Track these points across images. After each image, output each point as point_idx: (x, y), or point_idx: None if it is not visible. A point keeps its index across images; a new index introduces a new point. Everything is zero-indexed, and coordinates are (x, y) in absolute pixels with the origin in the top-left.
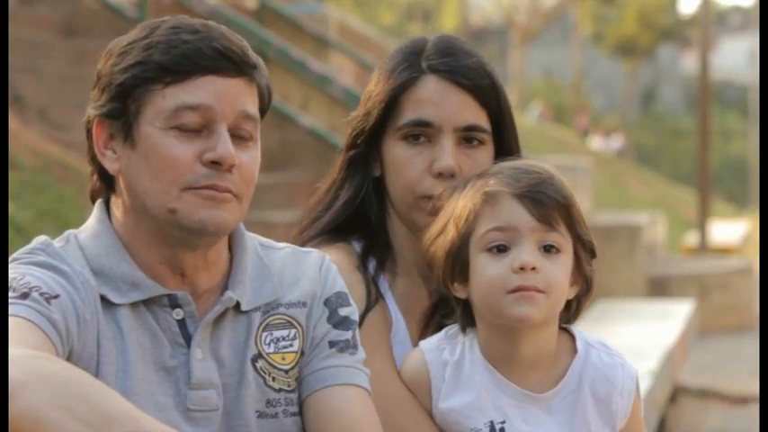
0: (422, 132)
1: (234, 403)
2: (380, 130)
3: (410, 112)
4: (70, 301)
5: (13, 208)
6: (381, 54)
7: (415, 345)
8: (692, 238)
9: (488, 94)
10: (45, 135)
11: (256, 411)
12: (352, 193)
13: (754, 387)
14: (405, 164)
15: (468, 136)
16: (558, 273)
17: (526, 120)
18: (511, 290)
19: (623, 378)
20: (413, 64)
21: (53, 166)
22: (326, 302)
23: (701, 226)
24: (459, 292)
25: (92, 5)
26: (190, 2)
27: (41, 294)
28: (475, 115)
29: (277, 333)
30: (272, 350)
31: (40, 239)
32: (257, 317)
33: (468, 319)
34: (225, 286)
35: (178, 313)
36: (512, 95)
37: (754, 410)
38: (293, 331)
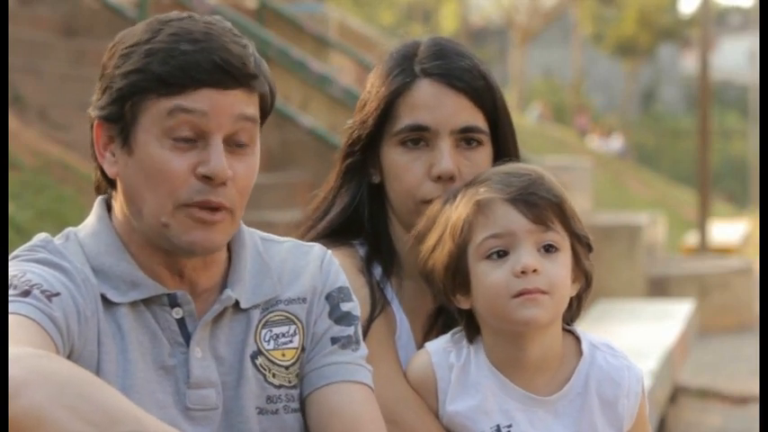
0: (419, 137)
1: (233, 401)
2: (377, 136)
3: (406, 118)
4: (71, 298)
5: (13, 208)
6: (382, 54)
7: (419, 349)
8: (692, 238)
9: (483, 94)
10: (45, 135)
11: (257, 408)
12: (348, 200)
13: (754, 387)
14: (403, 169)
15: (465, 138)
16: (559, 272)
17: (526, 120)
18: (515, 294)
19: (629, 380)
20: (406, 69)
21: (53, 166)
22: (328, 297)
23: (701, 226)
24: (462, 303)
25: (92, 5)
26: (190, 2)
27: (42, 292)
28: (471, 117)
29: (277, 330)
30: (271, 347)
31: (41, 236)
32: (256, 314)
33: (472, 330)
34: (224, 285)
35: (177, 312)
36: (512, 96)
37: (754, 410)
38: (293, 327)
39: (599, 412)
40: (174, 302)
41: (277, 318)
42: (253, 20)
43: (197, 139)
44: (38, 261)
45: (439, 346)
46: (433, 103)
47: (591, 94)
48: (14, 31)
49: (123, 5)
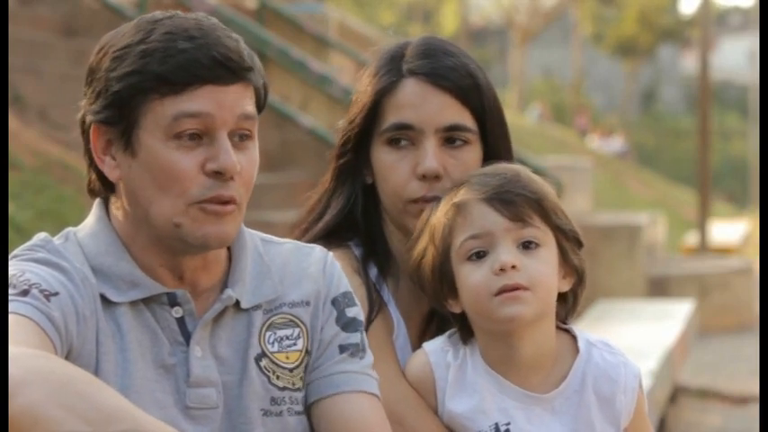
0: (404, 136)
1: (236, 401)
2: (366, 136)
3: (391, 117)
4: (70, 298)
5: (13, 208)
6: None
7: (414, 350)
8: (692, 238)
9: (470, 93)
10: (45, 135)
11: (261, 409)
12: (343, 202)
13: (754, 387)
14: (390, 169)
15: (450, 136)
16: (539, 267)
17: (526, 120)
18: (495, 292)
19: (626, 376)
20: (393, 68)
21: (53, 166)
22: (334, 303)
23: (701, 226)
24: (454, 307)
25: (92, 5)
26: (190, 2)
27: (41, 291)
28: (457, 115)
29: (281, 332)
30: (275, 349)
31: (41, 236)
32: (258, 315)
33: (466, 332)
34: (224, 285)
35: (177, 311)
36: (512, 96)
37: (754, 410)
38: (297, 330)
39: (596, 409)
40: (173, 301)
41: (281, 320)
42: (253, 20)
43: (202, 136)
44: (37, 261)
45: (436, 346)
46: (418, 102)
47: (591, 95)
48: (14, 31)
49: (123, 5)
